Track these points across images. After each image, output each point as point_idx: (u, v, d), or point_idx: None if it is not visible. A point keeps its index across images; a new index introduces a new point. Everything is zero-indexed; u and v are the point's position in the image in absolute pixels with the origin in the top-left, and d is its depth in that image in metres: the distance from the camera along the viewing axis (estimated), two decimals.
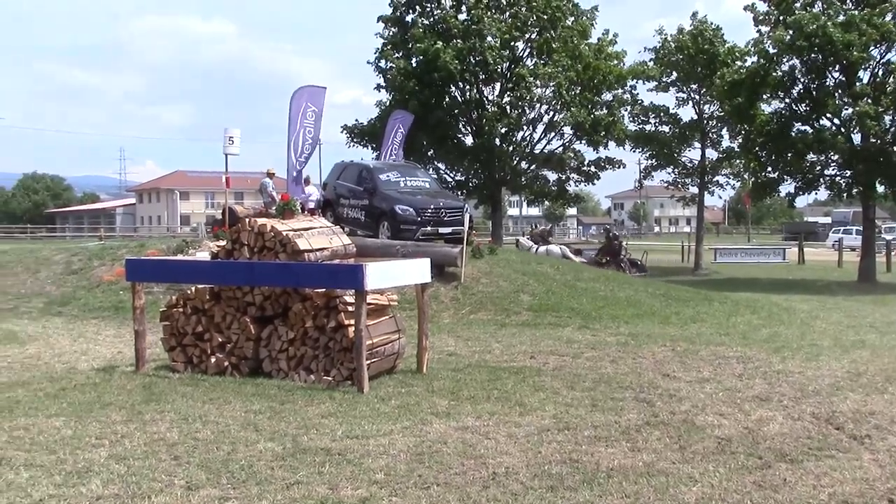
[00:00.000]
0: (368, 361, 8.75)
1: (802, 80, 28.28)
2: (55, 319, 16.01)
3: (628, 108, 34.79)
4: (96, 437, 6.76)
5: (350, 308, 8.94)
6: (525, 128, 32.33)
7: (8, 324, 14.85)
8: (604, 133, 32.19)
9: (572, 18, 32.09)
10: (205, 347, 9.70)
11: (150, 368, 9.92)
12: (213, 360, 9.59)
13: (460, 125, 32.76)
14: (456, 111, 32.10)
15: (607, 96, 32.69)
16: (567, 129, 32.49)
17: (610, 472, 5.98)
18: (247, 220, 9.84)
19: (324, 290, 9.12)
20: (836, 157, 28.65)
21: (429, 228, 18.88)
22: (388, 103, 32.02)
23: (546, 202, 38.33)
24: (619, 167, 33.94)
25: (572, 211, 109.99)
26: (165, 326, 9.99)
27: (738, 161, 35.99)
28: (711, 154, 37.11)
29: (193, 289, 9.90)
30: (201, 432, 6.89)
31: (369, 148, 32.48)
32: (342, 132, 32.76)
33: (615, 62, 32.51)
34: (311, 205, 20.13)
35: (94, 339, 13.07)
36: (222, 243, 10.16)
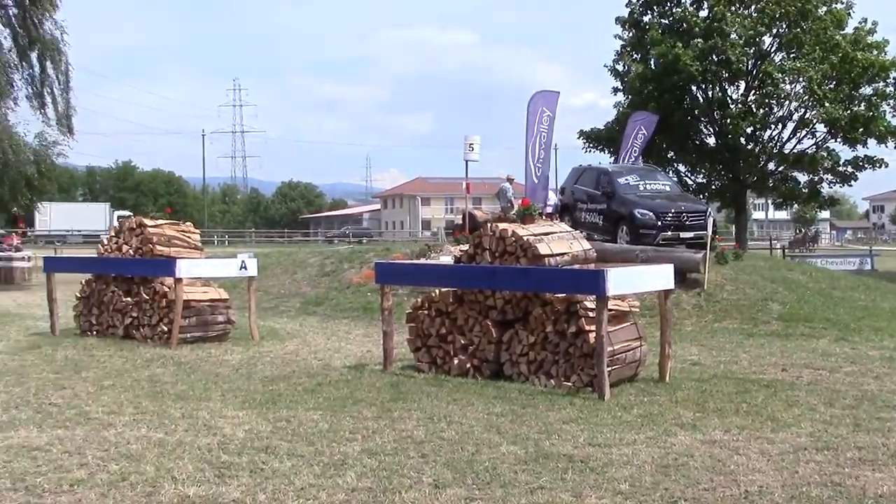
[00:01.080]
0: (609, 368, 8.62)
1: None
2: (310, 318, 17.08)
3: (892, 101, 31.99)
4: (350, 431, 7.11)
5: (591, 314, 8.85)
6: (773, 126, 30.62)
7: (270, 321, 16.04)
8: (862, 130, 29.81)
9: (825, 7, 30.02)
10: (448, 349, 9.96)
11: (396, 367, 10.32)
12: (456, 361, 9.82)
13: (702, 126, 31.59)
14: (697, 112, 30.98)
15: (866, 90, 30.25)
16: (820, 127, 30.42)
17: (878, 498, 5.48)
18: (488, 224, 9.99)
19: (564, 294, 9.08)
20: None
21: (669, 233, 18.39)
22: (625, 105, 31.50)
23: (795, 205, 36.08)
24: (879, 166, 31.30)
25: (825, 214, 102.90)
26: (411, 328, 10.36)
27: None
28: None
29: (437, 292, 10.19)
30: (446, 432, 7.06)
31: (606, 152, 32.10)
32: (579, 137, 32.61)
33: (875, 52, 30.03)
34: (549, 209, 20.22)
35: (345, 338, 13.78)
36: (464, 248, 10.40)
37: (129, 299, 13.26)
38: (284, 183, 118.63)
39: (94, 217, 71.13)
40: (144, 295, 13.08)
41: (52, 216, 67.99)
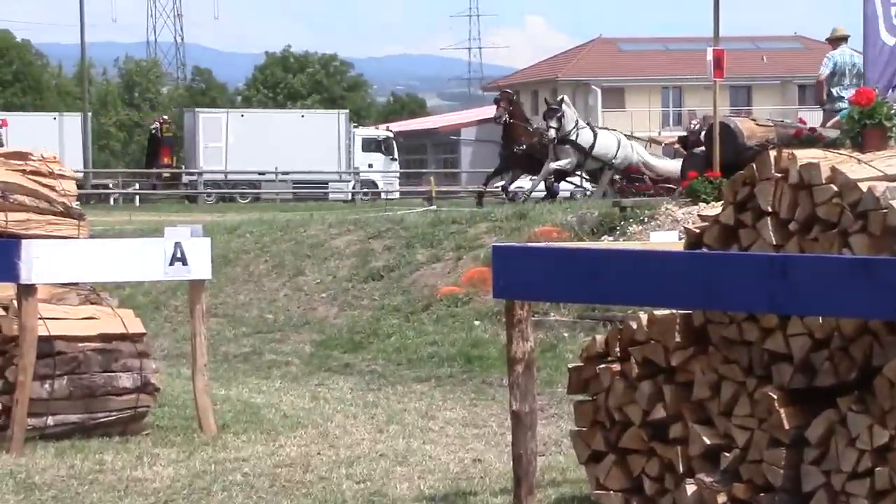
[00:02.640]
0: None
1: None
2: (337, 379, 17.38)
3: None
4: None
5: None
6: None
7: (243, 388, 16.28)
8: None
9: None
10: (669, 457, 9.88)
11: (546, 500, 10.40)
12: (689, 488, 9.71)
13: None
14: None
15: None
16: None
17: None
18: (770, 153, 9.84)
19: None
20: None
21: None
22: None
23: None
24: None
25: None
26: (581, 406, 10.37)
27: None
28: None
29: (644, 318, 10.12)
30: None
31: None
32: None
33: None
34: None
35: (417, 427, 13.99)
36: (710, 210, 10.25)
37: None
38: (271, 55, 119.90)
39: (318, 137, 75.67)
40: None
41: (232, 139, 72.32)
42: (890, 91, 18.42)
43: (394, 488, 11.00)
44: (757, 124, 23.89)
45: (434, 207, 29.52)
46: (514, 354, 10.38)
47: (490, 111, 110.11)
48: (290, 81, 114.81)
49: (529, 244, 13.90)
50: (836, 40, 22.44)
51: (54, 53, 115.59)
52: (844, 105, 21.23)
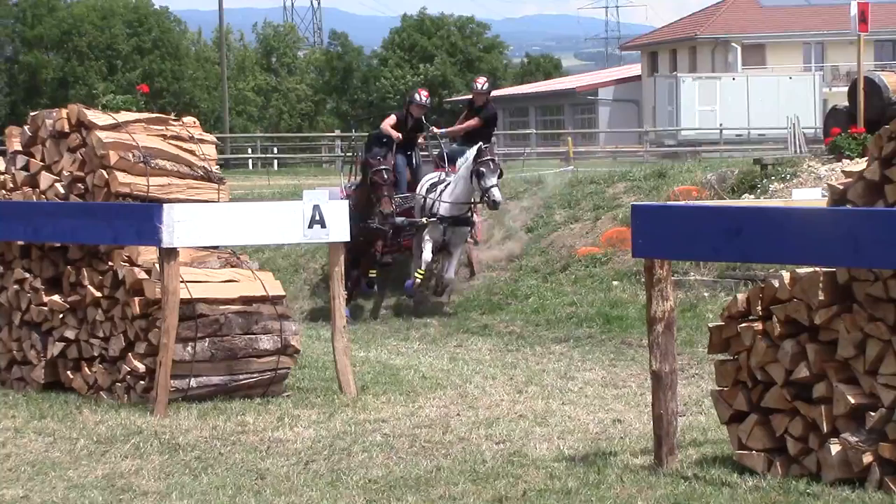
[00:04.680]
0: None
1: None
2: (475, 341, 17.50)
3: None
4: None
5: None
6: None
7: (382, 350, 16.32)
8: None
9: None
10: (813, 416, 9.74)
11: (686, 461, 10.28)
12: (833, 448, 9.58)
13: None
14: None
15: None
16: None
17: None
18: None
19: None
20: None
21: None
22: None
23: None
24: None
25: None
26: (722, 366, 10.28)
27: None
28: None
29: (787, 276, 10.00)
30: None
31: None
32: None
33: None
34: None
35: (556, 387, 13.98)
36: (856, 167, 10.08)
37: (56, 299, 13.70)
38: (408, 18, 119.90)
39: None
40: (92, 289, 13.46)
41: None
42: None
43: (533, 449, 10.97)
44: None
45: (572, 168, 29.36)
46: (653, 314, 10.34)
47: (629, 70, 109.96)
48: (424, 44, 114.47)
49: (669, 203, 13.79)
50: None
51: (192, 20, 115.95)
52: None
